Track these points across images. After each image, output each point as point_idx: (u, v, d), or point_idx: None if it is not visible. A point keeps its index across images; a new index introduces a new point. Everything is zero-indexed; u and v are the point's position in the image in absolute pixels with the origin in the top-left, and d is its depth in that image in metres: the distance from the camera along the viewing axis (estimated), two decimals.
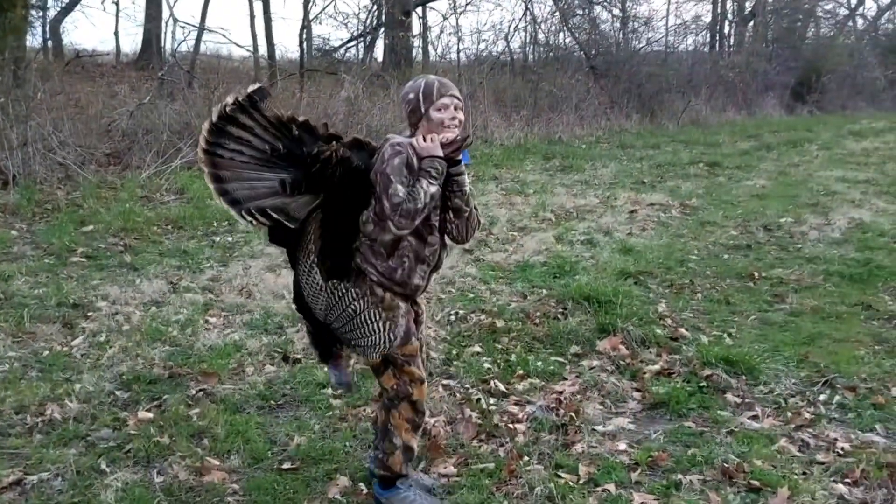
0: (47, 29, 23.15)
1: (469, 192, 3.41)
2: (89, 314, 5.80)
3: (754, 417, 4.52)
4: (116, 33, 24.91)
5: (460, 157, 3.29)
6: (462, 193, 3.37)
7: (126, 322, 5.63)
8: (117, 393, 4.60)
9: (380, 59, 23.63)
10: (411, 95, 3.38)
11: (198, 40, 20.83)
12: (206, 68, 18.17)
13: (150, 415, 4.30)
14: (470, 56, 21.64)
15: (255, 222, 3.17)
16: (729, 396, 4.77)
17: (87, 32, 34.50)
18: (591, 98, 20.09)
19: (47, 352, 5.13)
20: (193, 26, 20.93)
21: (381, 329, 3.35)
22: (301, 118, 3.34)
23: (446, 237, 3.50)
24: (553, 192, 11.26)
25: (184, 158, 11.33)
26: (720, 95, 25.41)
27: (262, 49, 21.24)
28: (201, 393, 4.60)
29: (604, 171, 13.44)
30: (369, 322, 3.34)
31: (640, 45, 25.95)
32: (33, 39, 19.78)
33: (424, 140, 3.26)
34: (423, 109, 3.33)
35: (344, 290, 3.34)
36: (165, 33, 21.46)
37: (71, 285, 6.42)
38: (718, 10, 33.44)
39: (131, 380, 4.74)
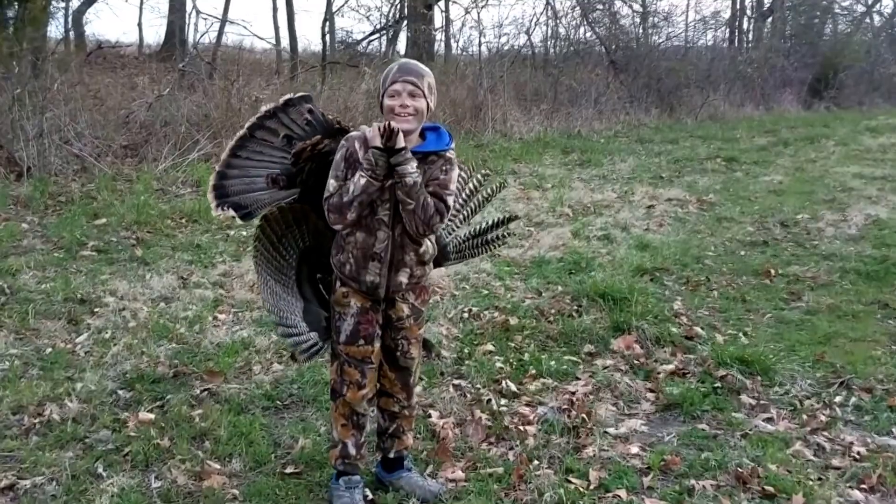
0: (69, 20, 23.09)
1: (411, 184, 3.14)
2: (96, 310, 5.70)
3: (769, 420, 4.41)
4: (140, 24, 24.85)
5: (399, 145, 3.10)
6: (403, 185, 3.14)
7: (133, 318, 5.53)
8: (119, 392, 4.50)
9: (402, 52, 23.50)
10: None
11: (220, 32, 20.76)
12: (227, 60, 18.05)
13: (152, 416, 4.19)
14: (491, 50, 21.47)
15: (222, 215, 3.39)
16: (743, 398, 4.66)
17: (110, 23, 34.54)
18: (610, 92, 19.90)
19: (50, 349, 5.03)
20: (215, 18, 20.86)
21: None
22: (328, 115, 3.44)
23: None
24: (571, 187, 11.12)
25: (201, 151, 11.25)
26: (738, 91, 25.16)
27: (285, 41, 21.20)
28: (205, 393, 4.49)
29: (622, 166, 13.28)
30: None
31: (660, 40, 25.77)
32: (56, 30, 19.72)
33: (370, 130, 3.17)
34: (380, 96, 3.27)
35: None
36: (189, 25, 21.33)
37: (79, 280, 6.33)
38: (737, 6, 33.13)
39: (134, 379, 4.63)
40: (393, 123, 3.09)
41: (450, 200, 3.27)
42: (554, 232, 8.39)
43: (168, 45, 22.04)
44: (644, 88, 21.42)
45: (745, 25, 34.47)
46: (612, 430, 4.24)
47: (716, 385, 4.78)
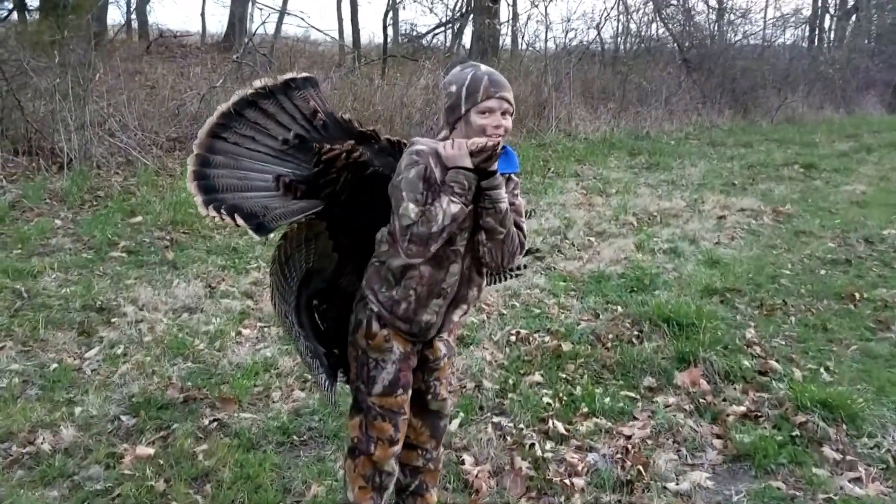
0: (132, 7, 22.99)
1: (505, 211, 2.65)
2: (112, 320, 5.26)
3: (857, 480, 3.75)
4: (203, 14, 24.70)
5: (494, 167, 2.57)
6: (496, 212, 2.63)
7: (149, 332, 5.07)
8: (122, 419, 4.03)
9: (468, 46, 22.99)
10: (453, 88, 2.68)
11: (279, 23, 20.45)
12: (287, 52, 17.69)
13: (151, 450, 3.70)
14: (558, 45, 20.82)
15: (216, 218, 2.56)
16: (826, 450, 3.99)
17: (173, 12, 34.50)
18: (682, 92, 19.17)
19: (55, 365, 4.58)
20: (273, 9, 20.55)
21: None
22: (340, 114, 2.83)
23: (481, 265, 2.80)
24: (636, 193, 10.46)
25: None
26: (818, 92, 24.20)
27: (348, 33, 20.80)
28: (215, 423, 4.00)
29: (692, 171, 12.56)
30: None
31: (736, 38, 24.82)
32: (117, 18, 19.61)
33: (452, 146, 2.58)
34: (463, 109, 2.65)
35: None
36: (249, 15, 20.96)
37: (102, 284, 5.91)
38: (819, 4, 32.08)
39: (141, 403, 4.16)
40: (492, 141, 2.54)
41: (525, 227, 2.79)
42: (616, 243, 7.78)
43: (229, 36, 21.76)
44: (718, 88, 20.65)
45: (826, 24, 33.42)
46: (671, 486, 3.65)
47: (794, 433, 4.13)
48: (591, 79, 18.99)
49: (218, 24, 41.89)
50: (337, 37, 21.91)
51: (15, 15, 14.84)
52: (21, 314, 5.30)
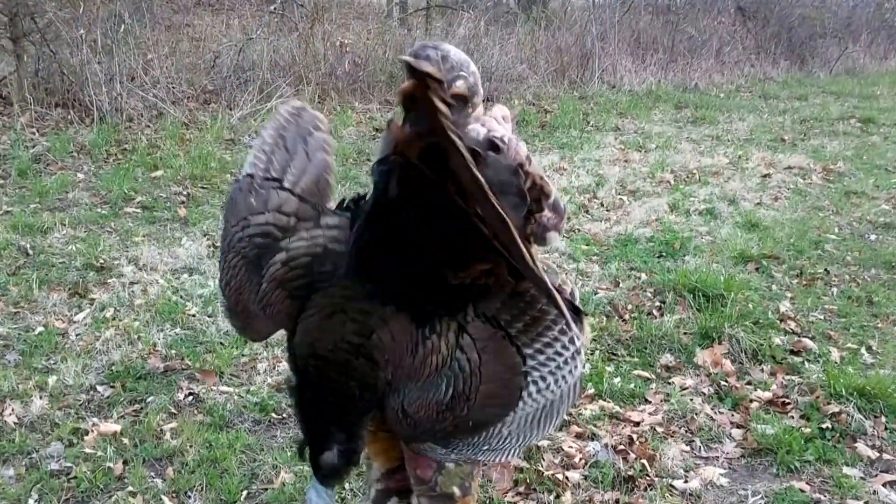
0: None
1: None
2: (108, 281, 5.09)
3: (893, 484, 3.38)
4: None
5: None
6: None
7: (142, 294, 4.89)
8: (99, 389, 3.86)
9: None
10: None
11: None
12: (328, 2, 17.33)
13: (118, 427, 3.52)
14: None
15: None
16: (860, 447, 3.62)
17: None
18: (734, 42, 18.45)
19: (42, 328, 4.42)
20: None
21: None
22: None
23: None
24: (677, 149, 9.98)
25: (281, 98, 10.59)
26: (882, 42, 23.15)
27: None
28: (190, 398, 3.80)
29: (739, 125, 12.02)
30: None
31: None
32: None
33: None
34: None
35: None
36: None
37: (109, 242, 5.75)
38: None
39: (120, 372, 3.99)
40: None
41: None
42: (648, 203, 7.39)
43: None
44: (773, 38, 19.83)
45: None
46: (679, 484, 3.34)
47: (824, 426, 3.75)
48: (640, 28, 18.38)
49: None
50: None
51: None
52: (21, 273, 5.16)
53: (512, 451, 2.08)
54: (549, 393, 1.98)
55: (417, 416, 1.92)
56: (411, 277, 1.88)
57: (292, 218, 2.06)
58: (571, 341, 1.98)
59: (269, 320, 2.05)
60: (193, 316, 4.64)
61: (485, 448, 2.03)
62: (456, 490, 2.32)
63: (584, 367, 2.06)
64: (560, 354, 1.98)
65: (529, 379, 1.95)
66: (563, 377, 1.99)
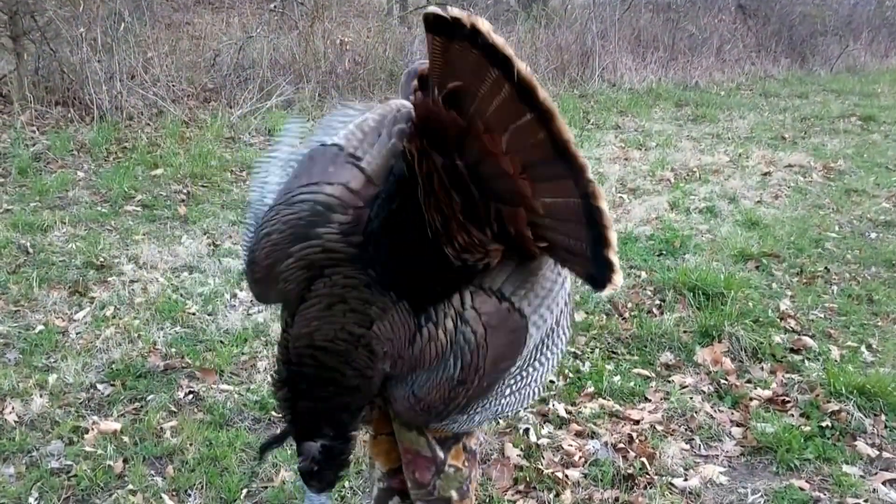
0: None
1: None
2: (109, 279, 5.09)
3: (893, 483, 3.39)
4: None
5: None
6: None
7: (142, 293, 4.89)
8: (99, 387, 3.87)
9: None
10: None
11: None
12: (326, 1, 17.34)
13: (118, 425, 3.53)
14: None
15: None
16: (860, 445, 3.63)
17: None
18: (735, 40, 18.45)
19: (42, 327, 4.43)
20: None
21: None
22: None
23: None
24: (677, 147, 9.98)
25: (281, 96, 10.60)
26: (883, 39, 23.13)
27: None
28: (190, 396, 3.81)
29: (740, 123, 12.02)
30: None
31: None
32: None
33: None
34: None
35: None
36: None
37: (109, 240, 5.75)
38: None
39: (120, 371, 4.00)
40: None
41: None
42: (649, 201, 7.39)
43: None
44: (774, 36, 19.83)
45: None
46: (679, 482, 3.35)
47: (823, 424, 3.76)
48: (640, 26, 18.38)
49: None
50: None
51: None
52: (21, 271, 5.16)
53: (535, 388, 2.10)
54: (546, 325, 2.02)
55: (429, 398, 1.92)
56: (413, 261, 1.88)
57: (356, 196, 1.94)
58: (559, 274, 2.01)
59: (281, 294, 2.01)
60: (193, 314, 4.65)
61: (508, 395, 2.04)
62: (454, 494, 2.31)
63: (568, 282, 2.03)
64: (551, 291, 2.00)
65: (530, 323, 1.96)
66: (556, 301, 2.03)
